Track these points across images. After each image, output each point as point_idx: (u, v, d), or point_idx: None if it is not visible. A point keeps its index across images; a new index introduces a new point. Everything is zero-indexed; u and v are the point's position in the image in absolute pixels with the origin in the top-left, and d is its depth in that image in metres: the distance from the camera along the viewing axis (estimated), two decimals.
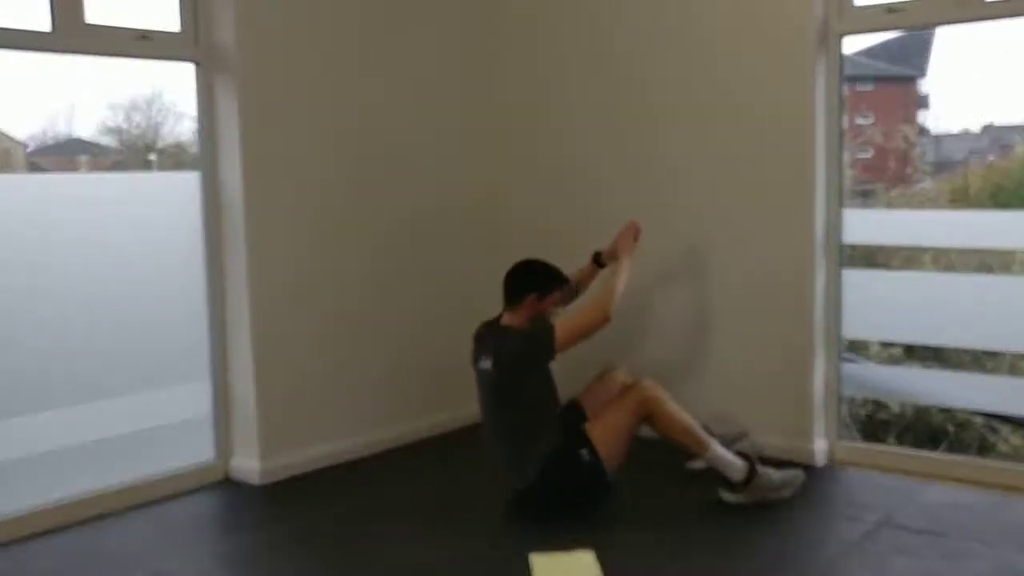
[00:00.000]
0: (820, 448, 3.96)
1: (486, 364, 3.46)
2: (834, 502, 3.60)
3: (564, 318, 3.51)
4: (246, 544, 3.32)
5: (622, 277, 3.53)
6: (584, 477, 3.41)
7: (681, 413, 3.47)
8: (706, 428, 3.56)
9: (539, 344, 3.40)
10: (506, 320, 3.56)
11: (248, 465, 3.93)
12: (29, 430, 3.55)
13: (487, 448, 3.59)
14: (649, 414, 3.43)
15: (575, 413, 3.64)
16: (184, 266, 3.95)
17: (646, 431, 3.49)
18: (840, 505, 3.57)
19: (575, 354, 3.46)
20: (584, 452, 3.38)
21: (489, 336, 3.55)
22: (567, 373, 3.62)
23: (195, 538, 3.43)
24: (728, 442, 3.71)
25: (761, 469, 3.47)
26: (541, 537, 3.19)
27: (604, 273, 3.78)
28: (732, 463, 3.48)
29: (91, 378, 3.74)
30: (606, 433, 3.42)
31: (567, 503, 3.41)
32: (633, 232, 3.71)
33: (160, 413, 3.91)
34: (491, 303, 4.29)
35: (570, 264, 3.79)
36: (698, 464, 3.73)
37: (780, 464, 3.64)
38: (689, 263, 4.18)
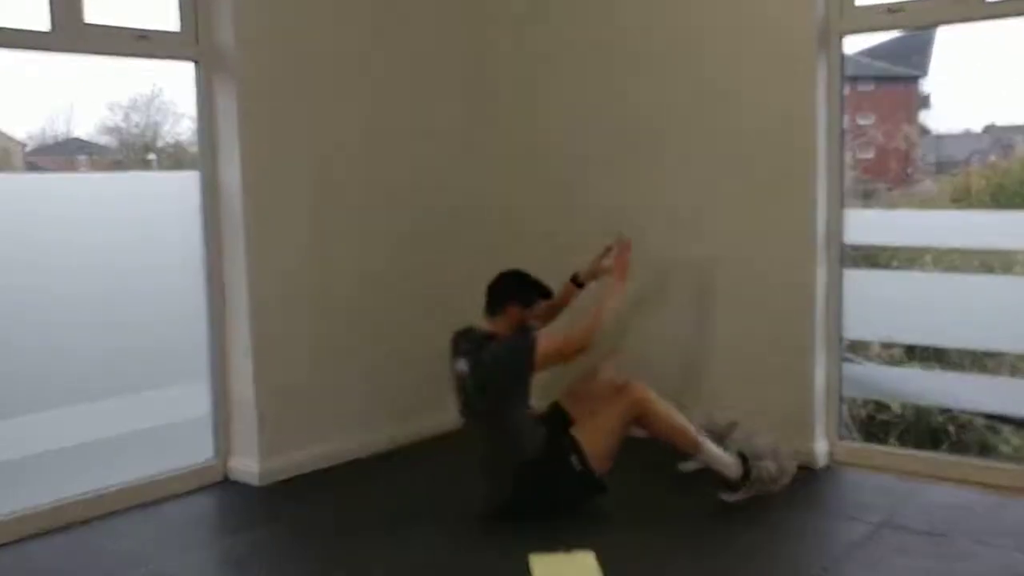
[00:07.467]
0: (821, 449, 3.95)
1: (462, 366, 3.42)
2: (835, 503, 3.60)
3: (549, 336, 3.40)
4: (245, 544, 3.31)
5: (613, 303, 3.46)
6: (574, 485, 3.37)
7: (673, 413, 3.45)
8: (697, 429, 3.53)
9: (519, 357, 3.33)
10: (487, 327, 3.51)
11: (247, 465, 3.92)
12: (29, 430, 3.54)
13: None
14: (640, 415, 3.40)
15: (558, 416, 3.61)
16: (183, 266, 3.94)
17: (637, 431, 3.47)
18: (841, 506, 3.56)
19: None
20: (574, 460, 3.33)
21: (466, 340, 3.49)
22: (547, 374, 3.52)
23: (194, 538, 3.43)
24: (718, 433, 3.66)
25: (755, 463, 3.46)
26: (541, 537, 3.17)
27: (599, 292, 3.67)
28: (726, 461, 3.47)
29: (90, 378, 3.73)
30: (596, 436, 3.38)
31: (556, 510, 3.37)
32: (627, 252, 3.59)
33: (159, 413, 3.90)
34: None
35: (569, 268, 3.78)
36: (690, 465, 3.71)
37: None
38: (689, 262, 4.18)
